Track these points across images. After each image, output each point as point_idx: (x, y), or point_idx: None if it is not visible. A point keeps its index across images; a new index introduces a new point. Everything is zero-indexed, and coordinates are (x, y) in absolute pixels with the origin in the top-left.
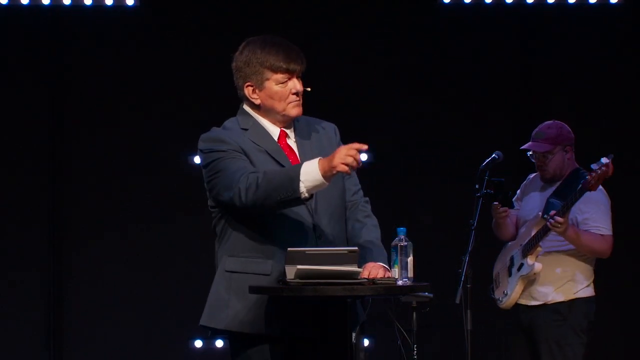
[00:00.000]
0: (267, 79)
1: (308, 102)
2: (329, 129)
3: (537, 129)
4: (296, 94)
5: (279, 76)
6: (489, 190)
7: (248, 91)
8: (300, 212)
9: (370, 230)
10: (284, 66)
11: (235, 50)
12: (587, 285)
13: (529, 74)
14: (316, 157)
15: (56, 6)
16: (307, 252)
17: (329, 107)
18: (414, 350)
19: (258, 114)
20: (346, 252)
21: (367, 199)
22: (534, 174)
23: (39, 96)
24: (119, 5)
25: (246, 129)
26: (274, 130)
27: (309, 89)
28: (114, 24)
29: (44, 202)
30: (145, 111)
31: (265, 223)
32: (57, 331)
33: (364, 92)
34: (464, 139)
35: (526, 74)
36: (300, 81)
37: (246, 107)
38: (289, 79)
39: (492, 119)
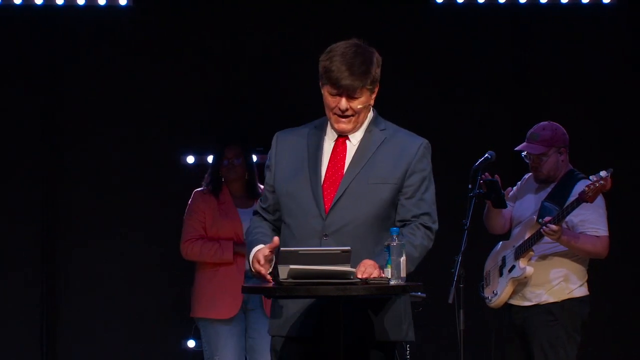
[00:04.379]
0: (324, 84)
1: (305, 101)
2: (412, 144)
3: (531, 130)
4: (341, 110)
5: (329, 87)
6: (481, 190)
7: (321, 85)
8: (313, 235)
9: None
10: (332, 80)
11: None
12: (581, 285)
13: (523, 73)
14: (371, 165)
15: (49, 6)
16: (300, 252)
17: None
18: (407, 350)
19: None
20: (339, 252)
21: (423, 222)
22: (529, 174)
23: (32, 96)
24: (112, 5)
25: (316, 127)
26: (333, 132)
27: (359, 107)
28: (107, 23)
29: (38, 203)
30: (139, 111)
31: (283, 234)
32: (50, 332)
33: None
34: (457, 138)
35: (519, 73)
36: (355, 99)
37: None
38: (338, 95)
39: (485, 119)
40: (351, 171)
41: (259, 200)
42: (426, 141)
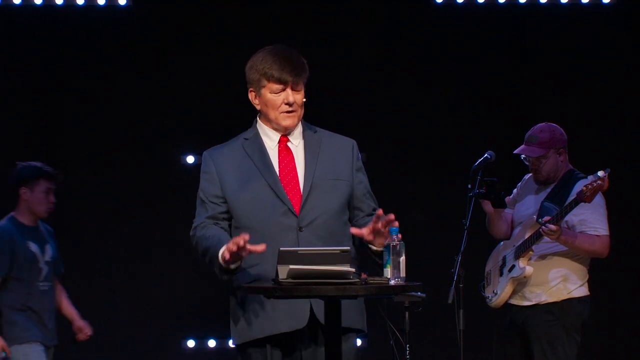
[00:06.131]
0: (263, 87)
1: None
2: (347, 144)
3: (529, 132)
4: (288, 104)
5: (273, 85)
6: (481, 190)
7: (251, 96)
8: (287, 230)
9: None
10: (276, 75)
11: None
12: (581, 285)
13: (522, 73)
14: (321, 164)
15: (48, 6)
16: (299, 252)
17: (322, 107)
18: (407, 350)
19: (262, 120)
20: (338, 251)
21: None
22: (529, 174)
23: (32, 96)
24: (111, 5)
25: (247, 139)
26: (274, 137)
27: (304, 101)
28: (106, 23)
29: None
30: (138, 111)
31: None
32: None
33: (357, 91)
34: (457, 138)
35: (519, 73)
36: (299, 92)
37: (259, 114)
38: (283, 89)
39: (485, 119)
40: (309, 168)
41: (196, 218)
42: (354, 141)
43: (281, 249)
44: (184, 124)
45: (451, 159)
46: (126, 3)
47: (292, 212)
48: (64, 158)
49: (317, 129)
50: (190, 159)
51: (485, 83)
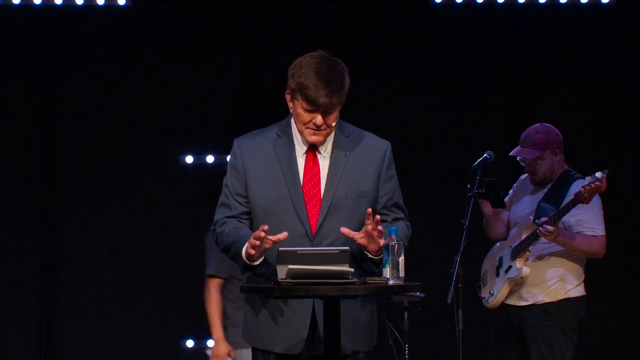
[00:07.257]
0: (297, 99)
1: None
2: (379, 149)
3: (524, 134)
4: (316, 126)
5: (304, 104)
6: (480, 190)
7: (287, 97)
8: (300, 243)
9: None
10: (310, 97)
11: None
12: (577, 285)
13: (521, 73)
14: (346, 173)
15: (48, 6)
16: (298, 252)
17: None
18: (406, 350)
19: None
20: (337, 252)
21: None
22: (525, 175)
23: (31, 96)
24: (110, 5)
25: (280, 136)
26: (304, 144)
27: (333, 124)
28: (106, 23)
29: (37, 204)
30: (138, 111)
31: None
32: (49, 332)
33: (356, 92)
34: (456, 138)
35: (518, 73)
36: (330, 115)
37: None
38: (313, 111)
39: (484, 119)
40: (329, 188)
41: (218, 212)
42: (389, 144)
43: (280, 249)
44: (183, 124)
45: (451, 159)
46: (126, 3)
47: (308, 235)
48: (63, 158)
49: (351, 130)
50: (189, 159)
51: (485, 83)
